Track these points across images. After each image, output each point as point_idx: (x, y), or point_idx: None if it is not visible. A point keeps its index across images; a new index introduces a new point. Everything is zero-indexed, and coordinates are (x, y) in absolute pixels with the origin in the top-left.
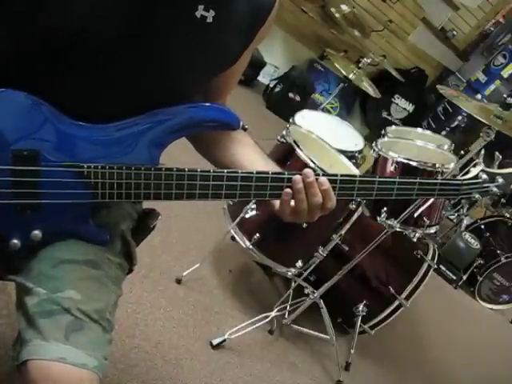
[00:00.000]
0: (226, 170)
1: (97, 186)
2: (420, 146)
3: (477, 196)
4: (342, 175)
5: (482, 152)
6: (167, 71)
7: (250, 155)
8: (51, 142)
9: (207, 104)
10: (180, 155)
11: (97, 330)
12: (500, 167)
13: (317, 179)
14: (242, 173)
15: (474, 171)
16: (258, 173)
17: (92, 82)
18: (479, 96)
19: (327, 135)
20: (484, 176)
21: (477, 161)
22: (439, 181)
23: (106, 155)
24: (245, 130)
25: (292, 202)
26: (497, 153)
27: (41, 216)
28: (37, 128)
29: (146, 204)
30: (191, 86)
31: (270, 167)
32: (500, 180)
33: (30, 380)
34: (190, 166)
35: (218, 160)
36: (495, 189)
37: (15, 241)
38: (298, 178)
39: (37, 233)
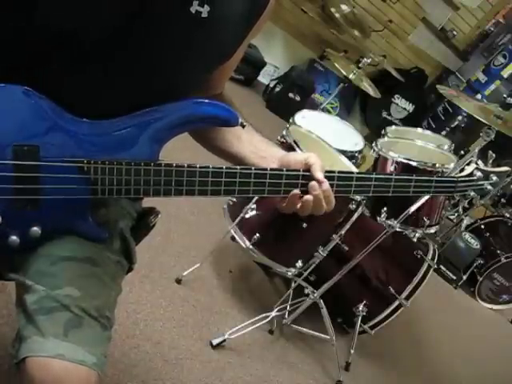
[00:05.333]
0: (224, 167)
1: (96, 182)
2: (420, 145)
3: (472, 194)
4: (339, 172)
5: (477, 150)
6: (164, 68)
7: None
8: (51, 138)
9: (206, 100)
10: (179, 152)
11: (96, 327)
12: (496, 166)
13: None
14: (240, 169)
15: (468, 169)
16: (256, 169)
17: (89, 80)
18: (479, 96)
19: (327, 135)
20: (478, 174)
21: (471, 159)
22: (435, 178)
23: (105, 151)
24: (243, 126)
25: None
26: (490, 151)
27: (40, 212)
28: (36, 123)
29: (146, 203)
30: (188, 82)
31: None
32: (494, 178)
33: (28, 377)
34: (190, 163)
35: (216, 146)
36: (489, 187)
37: (14, 237)
38: (314, 184)
39: (36, 229)
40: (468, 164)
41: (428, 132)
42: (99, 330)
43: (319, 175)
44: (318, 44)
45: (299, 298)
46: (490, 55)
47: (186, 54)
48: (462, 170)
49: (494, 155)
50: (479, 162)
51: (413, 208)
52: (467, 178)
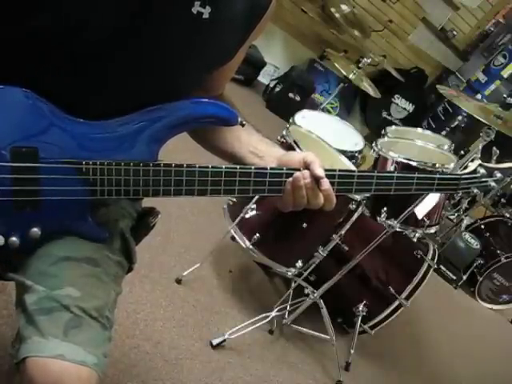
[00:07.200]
0: (224, 166)
1: (96, 183)
2: (420, 145)
3: (475, 191)
4: (340, 170)
5: (480, 147)
6: (164, 68)
7: (250, 138)
8: (50, 139)
9: (206, 100)
10: (179, 153)
11: (96, 327)
12: (498, 163)
13: (320, 182)
14: (240, 168)
15: (472, 166)
16: (256, 168)
17: (88, 80)
18: (479, 96)
19: (327, 135)
20: (482, 171)
21: (475, 156)
22: (437, 175)
23: (104, 151)
24: (242, 125)
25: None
26: (494, 148)
27: (40, 213)
28: (35, 125)
29: (146, 202)
30: (188, 83)
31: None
32: (498, 175)
33: (28, 377)
34: (189, 163)
35: (215, 146)
36: (493, 183)
37: (14, 238)
38: (298, 175)
39: (36, 230)
40: (472, 161)
41: (428, 132)
42: (99, 330)
43: (320, 172)
44: (318, 44)
45: (299, 298)
46: (490, 55)
47: (187, 55)
48: (465, 168)
49: (497, 151)
50: (479, 157)
51: (415, 208)
52: (470, 176)
